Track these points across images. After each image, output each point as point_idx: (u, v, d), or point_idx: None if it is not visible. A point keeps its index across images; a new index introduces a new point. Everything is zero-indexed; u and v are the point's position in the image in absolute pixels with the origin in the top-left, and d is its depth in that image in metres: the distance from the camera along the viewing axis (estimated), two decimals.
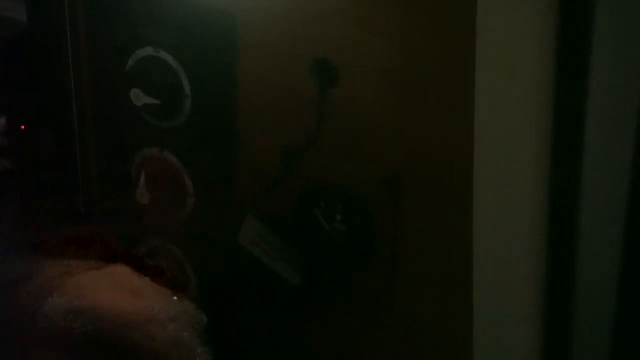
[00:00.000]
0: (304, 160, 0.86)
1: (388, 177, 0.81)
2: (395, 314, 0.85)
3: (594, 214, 0.72)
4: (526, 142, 0.70)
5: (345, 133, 0.83)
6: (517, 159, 0.71)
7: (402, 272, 0.84)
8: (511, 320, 0.76)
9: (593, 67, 0.69)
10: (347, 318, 0.89)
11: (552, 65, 0.68)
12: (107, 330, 0.62)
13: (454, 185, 0.77)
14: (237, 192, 0.92)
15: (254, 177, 0.89)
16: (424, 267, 0.82)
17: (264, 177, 0.88)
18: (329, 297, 0.89)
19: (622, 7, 0.67)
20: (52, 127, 1.02)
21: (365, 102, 0.81)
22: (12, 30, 1.00)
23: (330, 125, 0.83)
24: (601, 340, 0.75)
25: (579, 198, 0.73)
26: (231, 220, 0.90)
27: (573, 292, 0.75)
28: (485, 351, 0.79)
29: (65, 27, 0.96)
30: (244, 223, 0.86)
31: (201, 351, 0.67)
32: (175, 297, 0.69)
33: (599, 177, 0.71)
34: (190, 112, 0.89)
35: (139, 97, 0.88)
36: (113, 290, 0.66)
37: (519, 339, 0.76)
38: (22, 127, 1.03)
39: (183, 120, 0.89)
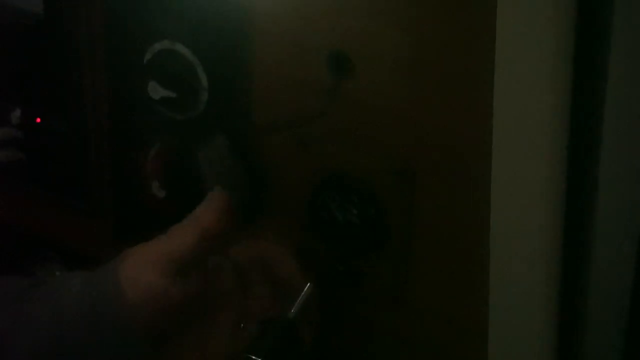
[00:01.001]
0: (318, 151, 0.86)
1: (403, 169, 0.81)
2: (409, 306, 0.85)
3: (612, 208, 0.73)
4: (545, 136, 0.70)
5: (361, 125, 0.83)
6: (536, 152, 0.71)
7: (417, 265, 0.84)
8: (527, 313, 0.76)
9: (612, 65, 0.69)
10: (361, 310, 0.89)
11: (572, 54, 0.68)
12: None
13: (470, 178, 0.77)
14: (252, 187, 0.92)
15: (270, 170, 0.90)
16: (439, 260, 0.82)
17: (279, 170, 0.88)
18: (342, 288, 0.89)
19: None
20: (66, 119, 1.02)
21: (380, 93, 0.81)
22: (28, 22, 1.00)
23: (346, 116, 0.83)
24: (615, 339, 0.75)
25: (597, 191, 0.73)
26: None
27: (589, 285, 0.75)
28: (500, 343, 0.79)
29: (81, 20, 0.96)
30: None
31: None
32: None
33: (617, 172, 0.72)
34: (206, 104, 0.89)
35: (156, 91, 0.88)
36: None
37: (535, 332, 0.76)
38: (39, 119, 1.04)
39: (200, 112, 0.89)
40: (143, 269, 0.76)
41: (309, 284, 0.81)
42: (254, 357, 0.76)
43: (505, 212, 0.74)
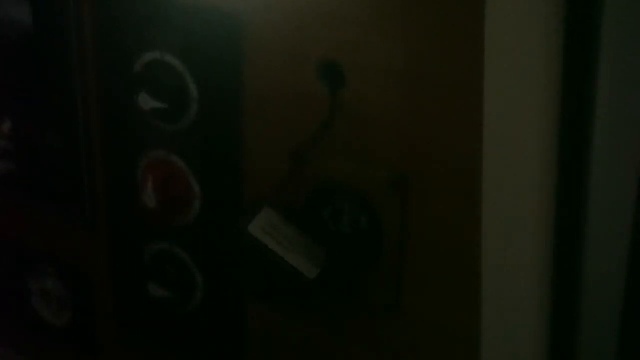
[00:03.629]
0: (311, 161, 0.86)
1: (396, 178, 0.81)
2: (402, 315, 0.85)
3: (601, 217, 0.73)
4: (534, 144, 0.71)
5: (353, 134, 0.83)
6: (525, 160, 0.71)
7: (410, 273, 0.84)
8: (519, 321, 0.76)
9: (600, 70, 0.69)
10: (354, 319, 0.89)
11: (560, 67, 0.68)
12: None
13: (462, 187, 0.77)
14: (244, 195, 0.92)
15: (262, 178, 0.90)
16: (431, 268, 0.82)
17: (271, 178, 0.88)
18: (336, 298, 0.89)
19: (630, 8, 0.67)
20: (58, 130, 1.02)
21: (373, 103, 0.81)
22: (18, 34, 1.00)
23: (338, 126, 0.83)
24: (608, 346, 0.76)
25: (586, 199, 0.73)
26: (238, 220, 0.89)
27: (580, 293, 0.76)
28: (492, 352, 0.79)
29: (72, 31, 0.96)
30: (260, 213, 0.86)
31: None
32: None
33: (606, 180, 0.72)
34: (197, 115, 0.89)
35: (147, 102, 0.88)
36: None
37: (527, 340, 0.76)
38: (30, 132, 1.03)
39: (190, 123, 0.89)
40: None
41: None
42: None
43: (497, 220, 0.75)
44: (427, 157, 0.79)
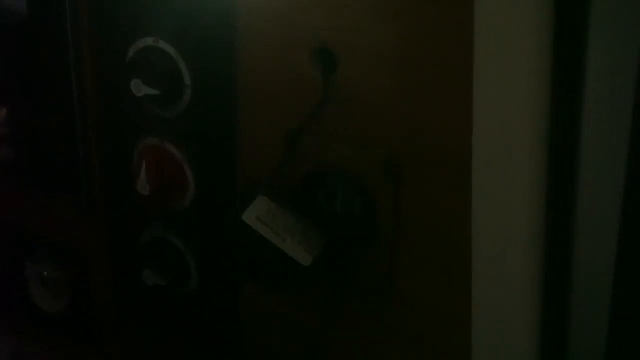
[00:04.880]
0: (304, 145, 0.86)
1: (388, 161, 0.82)
2: (395, 297, 0.86)
3: (592, 197, 0.73)
4: (525, 127, 0.71)
5: (345, 118, 0.83)
6: (516, 144, 0.72)
7: (403, 256, 0.84)
8: (509, 301, 0.76)
9: (591, 45, 0.69)
10: (348, 302, 0.89)
11: (551, 49, 0.68)
12: None
13: (454, 170, 0.78)
14: (238, 181, 0.92)
15: (256, 165, 0.90)
16: (424, 251, 0.83)
17: (265, 164, 0.88)
18: (330, 281, 0.89)
19: (619, 5, 0.67)
20: (54, 116, 1.02)
21: (364, 86, 0.81)
22: (12, 20, 1.00)
23: (331, 110, 0.83)
24: (599, 322, 0.76)
25: (578, 180, 0.73)
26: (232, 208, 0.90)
27: (571, 267, 0.76)
28: (484, 332, 0.79)
29: (66, 17, 0.96)
30: (254, 201, 0.86)
31: None
32: None
33: (597, 164, 0.72)
34: (191, 101, 0.89)
35: (139, 88, 0.88)
36: None
37: (518, 319, 0.77)
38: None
39: (184, 109, 0.89)
40: None
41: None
42: None
43: (488, 202, 0.75)
44: (419, 141, 0.80)
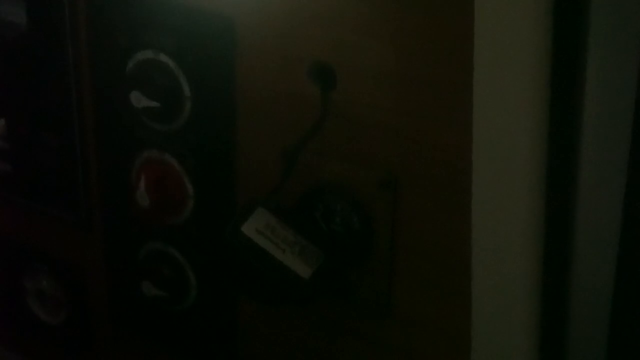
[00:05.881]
0: (302, 162, 0.86)
1: (386, 178, 0.82)
2: (393, 315, 0.86)
3: (591, 217, 0.73)
4: (524, 144, 0.71)
5: (343, 135, 0.83)
6: (515, 160, 0.72)
7: (401, 273, 0.84)
8: (509, 321, 0.76)
9: (589, 69, 0.70)
10: (346, 317, 0.89)
11: (549, 66, 0.68)
12: None
13: (452, 187, 0.78)
14: (237, 195, 0.92)
15: (255, 178, 0.90)
16: (422, 268, 0.83)
17: (264, 178, 0.88)
18: (327, 298, 0.89)
19: (617, 6, 0.67)
20: (53, 130, 1.03)
21: (364, 104, 0.81)
22: (11, 34, 1.00)
23: (329, 127, 0.83)
24: (598, 348, 0.76)
25: (576, 199, 0.73)
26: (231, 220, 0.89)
27: (569, 294, 0.76)
28: (483, 351, 0.79)
29: (66, 31, 0.96)
30: (253, 214, 0.86)
31: None
32: None
33: (596, 179, 0.72)
34: (190, 114, 0.89)
35: (139, 100, 0.88)
36: None
37: (517, 340, 0.76)
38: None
39: (183, 122, 0.89)
40: None
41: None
42: None
43: (487, 219, 0.75)
44: (417, 157, 0.80)
